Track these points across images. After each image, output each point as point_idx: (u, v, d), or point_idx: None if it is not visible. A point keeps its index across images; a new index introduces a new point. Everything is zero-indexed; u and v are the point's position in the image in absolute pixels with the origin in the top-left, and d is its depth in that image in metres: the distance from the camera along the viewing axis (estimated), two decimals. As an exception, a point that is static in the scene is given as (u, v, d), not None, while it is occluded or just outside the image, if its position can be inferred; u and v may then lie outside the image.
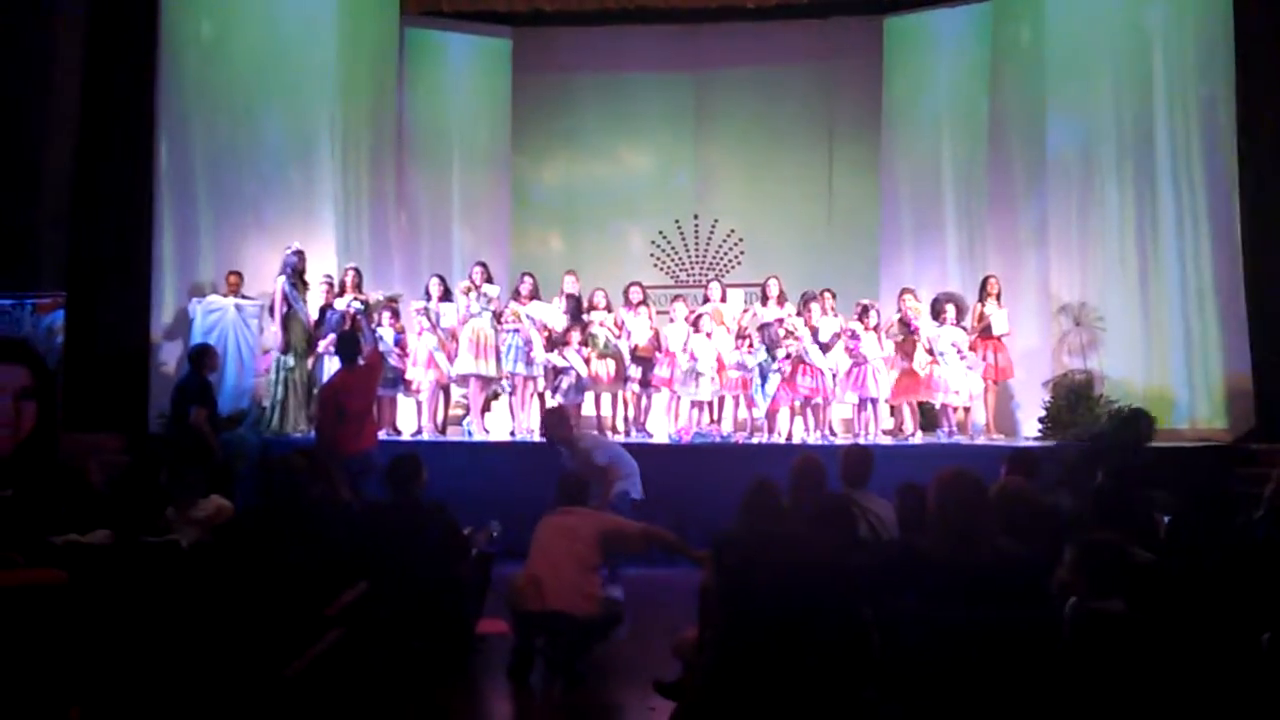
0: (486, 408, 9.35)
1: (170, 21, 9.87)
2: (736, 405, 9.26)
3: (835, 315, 9.14)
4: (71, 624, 3.61)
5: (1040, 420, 9.08)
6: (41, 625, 3.62)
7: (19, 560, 4.17)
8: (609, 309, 9.26)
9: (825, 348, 8.81)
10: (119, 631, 3.57)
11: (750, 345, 8.90)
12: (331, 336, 8.69)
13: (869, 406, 8.86)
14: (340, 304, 9.02)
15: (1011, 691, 2.91)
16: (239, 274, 9.43)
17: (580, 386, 8.97)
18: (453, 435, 9.32)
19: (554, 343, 9.01)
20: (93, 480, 6.56)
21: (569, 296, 9.34)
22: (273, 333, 9.05)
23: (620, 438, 8.78)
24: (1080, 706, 2.88)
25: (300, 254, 9.10)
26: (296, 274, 9.01)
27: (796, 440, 8.67)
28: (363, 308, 8.89)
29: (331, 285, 9.18)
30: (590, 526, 5.04)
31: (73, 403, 8.49)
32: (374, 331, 8.71)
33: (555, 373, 8.97)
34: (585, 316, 9.16)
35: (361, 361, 6.89)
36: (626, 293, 9.47)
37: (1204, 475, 4.83)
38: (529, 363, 8.94)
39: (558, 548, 4.91)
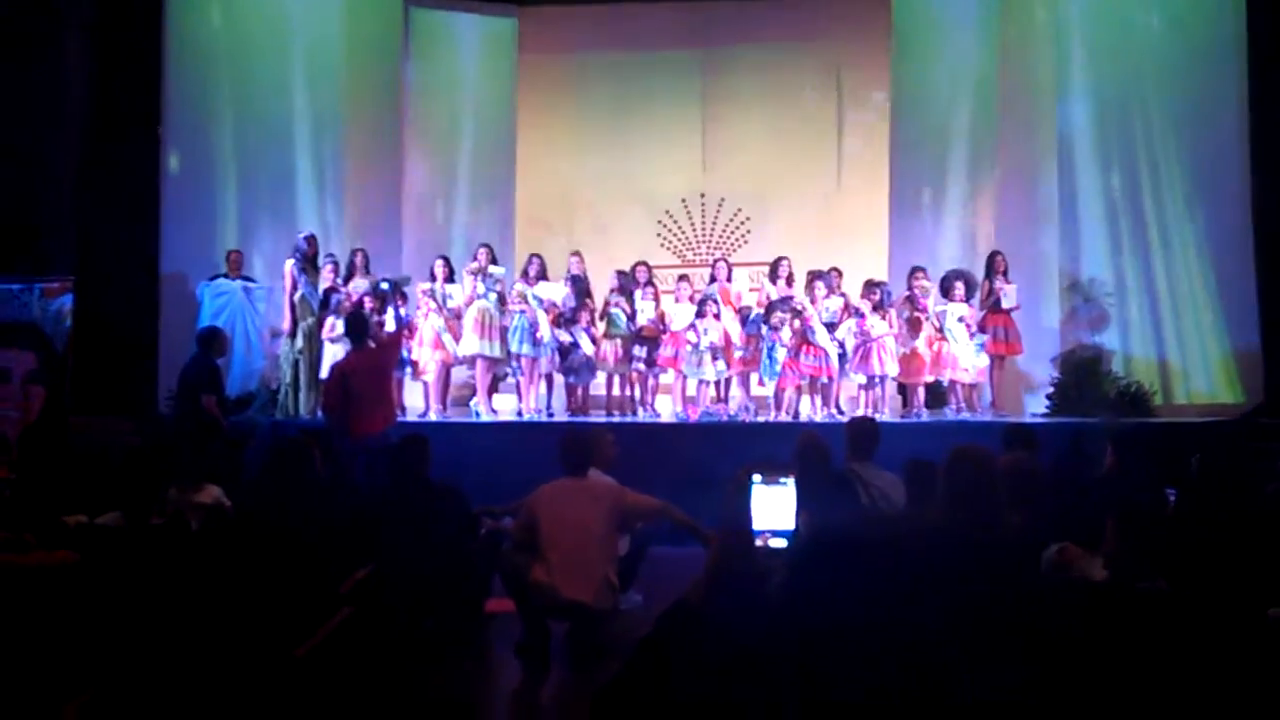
0: (493, 388, 9.37)
1: (177, 8, 9.86)
2: (745, 383, 9.23)
3: (842, 294, 9.12)
4: (84, 604, 3.64)
5: (1048, 396, 9.06)
6: (54, 605, 3.64)
7: (31, 541, 4.20)
8: (628, 293, 9.25)
9: (831, 326, 8.80)
10: (131, 611, 3.59)
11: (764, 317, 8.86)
12: (331, 320, 8.70)
13: (877, 384, 8.85)
14: (355, 286, 9.02)
15: (1022, 665, 2.90)
16: (239, 252, 9.46)
17: (590, 366, 9.00)
18: (460, 416, 9.34)
19: (563, 321, 9.02)
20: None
21: (574, 278, 9.33)
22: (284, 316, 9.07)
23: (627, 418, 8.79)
24: (1102, 682, 2.87)
25: (311, 239, 9.11)
26: (306, 258, 9.02)
27: (803, 419, 8.67)
28: (390, 287, 8.88)
29: (336, 267, 9.18)
30: (604, 504, 4.84)
31: (81, 386, 8.52)
32: (399, 311, 8.72)
33: (565, 351, 8.98)
34: (611, 297, 9.17)
35: (372, 343, 6.88)
36: (633, 272, 9.45)
37: (1213, 450, 4.81)
38: (535, 343, 8.95)
39: (575, 533, 4.71)
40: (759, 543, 2.37)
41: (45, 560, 3.97)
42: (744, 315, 8.98)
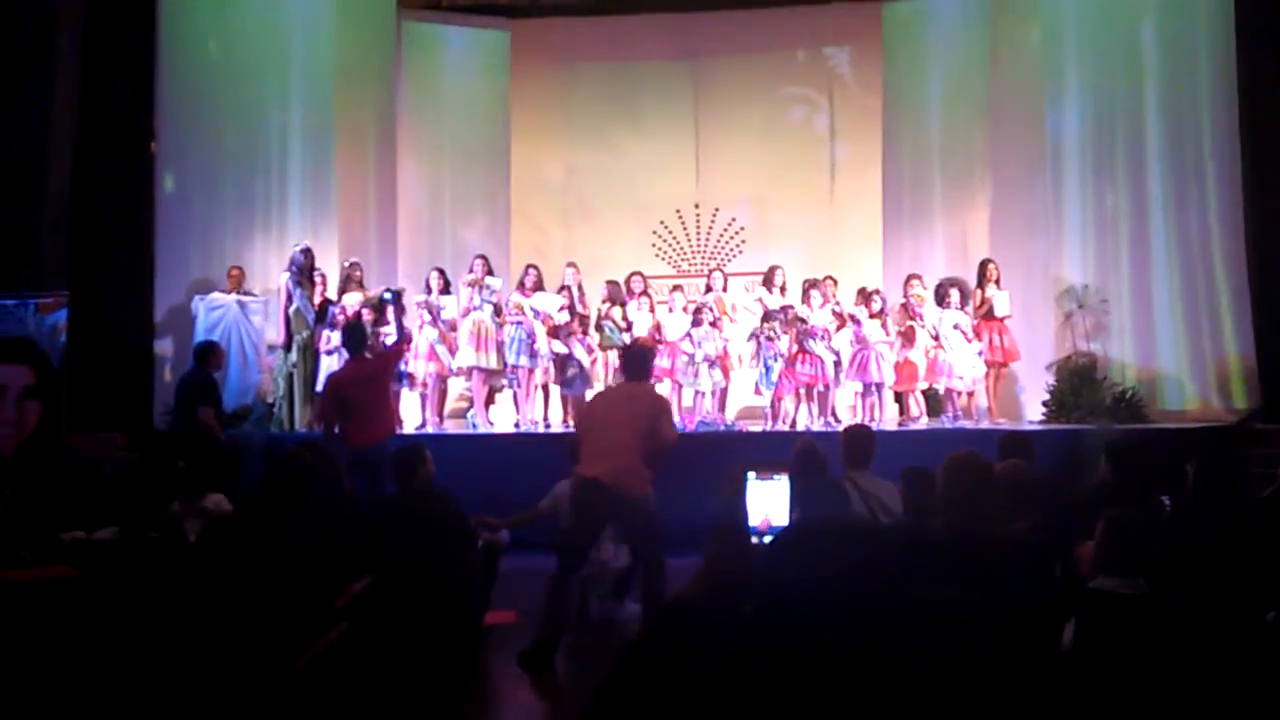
0: (490, 400, 9.37)
1: (169, 19, 9.88)
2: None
3: (837, 302, 9.14)
4: (81, 620, 3.63)
5: (1044, 404, 9.08)
6: (51, 621, 3.63)
7: (27, 557, 4.19)
8: (619, 303, 9.25)
9: (826, 335, 8.82)
10: (128, 626, 3.58)
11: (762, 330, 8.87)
12: (327, 334, 8.70)
13: (874, 392, 8.86)
14: (349, 299, 9.02)
15: (1021, 675, 2.90)
16: (240, 269, 9.45)
17: (585, 377, 9.00)
18: (457, 428, 9.33)
19: (559, 332, 9.02)
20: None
21: (567, 289, 9.35)
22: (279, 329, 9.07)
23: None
24: (1088, 691, 2.87)
25: (307, 251, 9.11)
26: (302, 271, 9.02)
27: (800, 427, 8.68)
28: (391, 297, 8.88)
29: (325, 280, 9.18)
30: (643, 403, 5.09)
31: (77, 402, 8.50)
32: (402, 321, 8.71)
33: (561, 363, 8.98)
34: (603, 307, 9.18)
35: (368, 354, 6.87)
36: (628, 283, 9.47)
37: (1209, 456, 4.81)
38: (532, 355, 8.95)
39: (606, 424, 4.96)
40: (754, 538, 2.39)
41: (42, 576, 3.96)
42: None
